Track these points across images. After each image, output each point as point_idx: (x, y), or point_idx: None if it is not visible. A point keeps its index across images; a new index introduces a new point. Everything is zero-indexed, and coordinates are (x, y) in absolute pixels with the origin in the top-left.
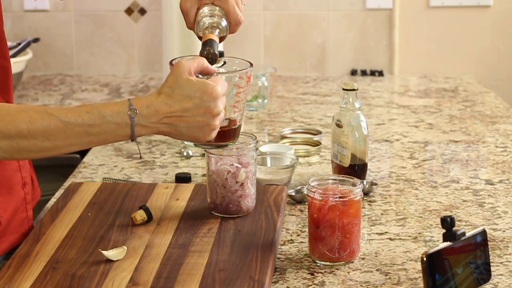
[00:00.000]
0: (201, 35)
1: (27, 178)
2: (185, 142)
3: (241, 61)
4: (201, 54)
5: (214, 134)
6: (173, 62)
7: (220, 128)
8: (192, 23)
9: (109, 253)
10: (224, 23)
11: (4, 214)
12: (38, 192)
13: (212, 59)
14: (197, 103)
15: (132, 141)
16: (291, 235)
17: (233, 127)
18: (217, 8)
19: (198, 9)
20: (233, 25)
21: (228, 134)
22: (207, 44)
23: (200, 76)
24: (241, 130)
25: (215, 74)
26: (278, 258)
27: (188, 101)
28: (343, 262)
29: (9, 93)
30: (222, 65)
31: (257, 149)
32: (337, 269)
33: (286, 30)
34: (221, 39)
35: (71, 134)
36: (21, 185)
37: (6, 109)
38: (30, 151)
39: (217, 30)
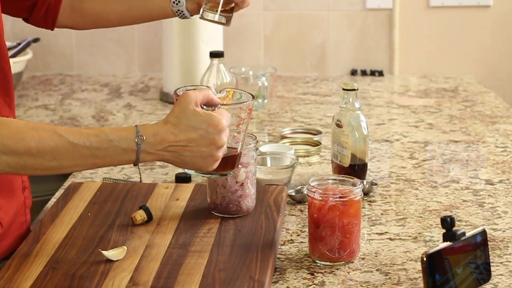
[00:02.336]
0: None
1: (26, 182)
2: (186, 170)
3: (242, 92)
4: None
5: (216, 164)
6: (178, 92)
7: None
8: None
9: (109, 253)
10: None
11: (5, 217)
12: (31, 196)
13: None
14: (202, 135)
15: (134, 165)
16: (291, 235)
17: (234, 157)
18: None
19: None
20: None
21: (228, 162)
22: None
23: (205, 107)
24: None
25: (219, 106)
26: (278, 258)
27: (193, 132)
28: (343, 262)
29: (10, 96)
30: (224, 94)
31: (257, 149)
32: (337, 269)
33: (286, 30)
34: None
35: (78, 155)
36: (21, 189)
37: (16, 126)
38: (35, 169)
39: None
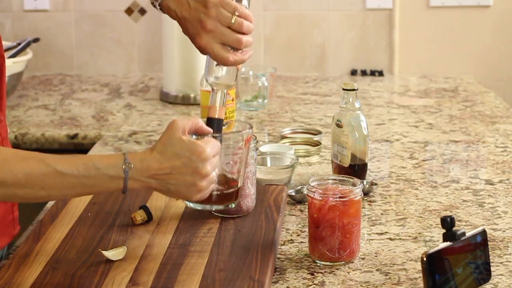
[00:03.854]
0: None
1: None
2: (188, 203)
3: (240, 123)
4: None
5: (201, 195)
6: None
7: (220, 190)
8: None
9: (109, 253)
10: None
11: None
12: None
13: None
14: (185, 162)
15: (123, 193)
16: (291, 235)
17: (233, 190)
18: None
19: None
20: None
21: (228, 196)
22: (212, 125)
23: (194, 136)
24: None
25: (210, 135)
26: (278, 258)
27: (177, 159)
28: (343, 262)
29: (1, 97)
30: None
31: (257, 149)
32: (337, 269)
33: (286, 30)
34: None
35: (66, 184)
36: None
37: (4, 156)
38: (23, 198)
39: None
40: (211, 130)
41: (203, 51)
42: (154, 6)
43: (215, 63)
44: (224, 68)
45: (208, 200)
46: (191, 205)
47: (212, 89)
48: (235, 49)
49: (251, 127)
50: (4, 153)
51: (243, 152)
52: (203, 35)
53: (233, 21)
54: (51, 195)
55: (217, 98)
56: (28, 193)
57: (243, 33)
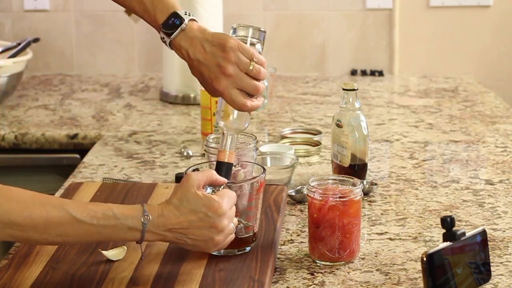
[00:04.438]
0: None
1: None
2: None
3: (253, 166)
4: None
5: (218, 248)
6: (188, 172)
7: (238, 235)
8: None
9: (109, 253)
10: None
11: None
12: None
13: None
14: (202, 218)
15: (137, 243)
16: (291, 235)
17: (249, 235)
18: None
19: None
20: None
21: (244, 240)
22: (221, 170)
23: (208, 188)
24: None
25: (224, 186)
26: (278, 258)
27: (194, 215)
28: (343, 262)
29: None
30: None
31: (257, 149)
32: (337, 269)
33: (286, 30)
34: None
35: (84, 232)
36: None
37: (24, 199)
38: (38, 242)
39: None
40: (225, 181)
41: (218, 94)
42: (164, 42)
43: (230, 107)
44: (236, 112)
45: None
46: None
47: (223, 133)
48: (250, 95)
49: (265, 170)
50: (24, 196)
51: (258, 196)
52: (222, 80)
53: (251, 67)
54: (67, 241)
55: (227, 142)
56: (45, 238)
57: (260, 80)
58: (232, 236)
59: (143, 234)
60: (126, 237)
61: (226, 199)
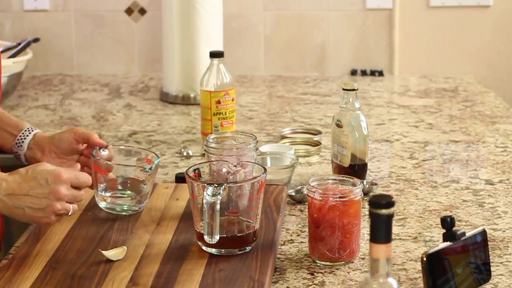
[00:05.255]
0: None
1: None
2: (206, 249)
3: (254, 165)
4: None
5: (56, 218)
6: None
7: (239, 234)
8: None
9: (109, 253)
10: None
11: None
12: None
13: None
14: (42, 184)
15: None
16: (291, 235)
17: (250, 232)
18: None
19: None
20: None
21: (245, 239)
22: None
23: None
24: (241, 130)
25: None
26: (278, 258)
27: (34, 181)
28: (343, 262)
29: None
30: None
31: (257, 149)
32: (337, 269)
33: (286, 30)
34: None
35: None
36: None
37: None
38: None
39: None
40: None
41: None
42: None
43: None
44: None
45: (227, 244)
46: (213, 251)
47: None
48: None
49: (265, 171)
50: None
51: (258, 196)
52: None
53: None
54: None
55: None
56: None
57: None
58: (70, 211)
59: None
60: None
61: (72, 174)
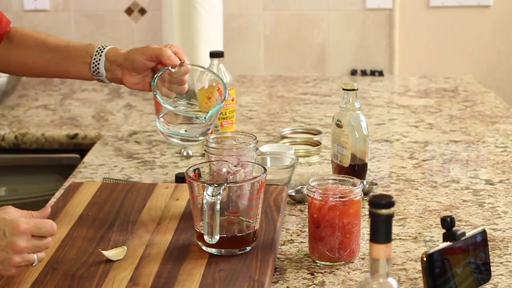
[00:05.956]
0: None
1: None
2: (206, 248)
3: (253, 165)
4: None
5: (16, 270)
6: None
7: (239, 234)
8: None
9: (109, 253)
10: None
11: None
12: None
13: None
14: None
15: None
16: (291, 235)
17: (250, 232)
18: None
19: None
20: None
21: (245, 239)
22: None
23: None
24: (241, 130)
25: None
26: (278, 258)
27: None
28: (343, 262)
29: None
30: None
31: (257, 149)
32: (337, 269)
33: (286, 30)
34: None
35: None
36: None
37: None
38: None
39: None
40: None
41: None
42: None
43: None
44: None
45: (227, 244)
46: (213, 251)
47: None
48: None
49: (265, 171)
50: None
51: (258, 196)
52: None
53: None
54: None
55: None
56: None
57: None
58: (35, 261)
59: None
60: None
61: (32, 223)
